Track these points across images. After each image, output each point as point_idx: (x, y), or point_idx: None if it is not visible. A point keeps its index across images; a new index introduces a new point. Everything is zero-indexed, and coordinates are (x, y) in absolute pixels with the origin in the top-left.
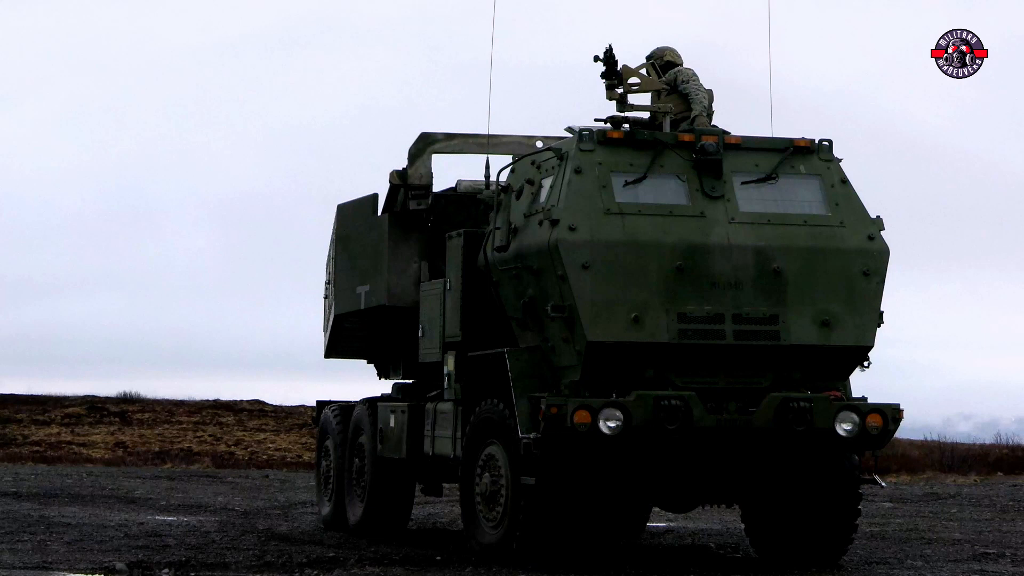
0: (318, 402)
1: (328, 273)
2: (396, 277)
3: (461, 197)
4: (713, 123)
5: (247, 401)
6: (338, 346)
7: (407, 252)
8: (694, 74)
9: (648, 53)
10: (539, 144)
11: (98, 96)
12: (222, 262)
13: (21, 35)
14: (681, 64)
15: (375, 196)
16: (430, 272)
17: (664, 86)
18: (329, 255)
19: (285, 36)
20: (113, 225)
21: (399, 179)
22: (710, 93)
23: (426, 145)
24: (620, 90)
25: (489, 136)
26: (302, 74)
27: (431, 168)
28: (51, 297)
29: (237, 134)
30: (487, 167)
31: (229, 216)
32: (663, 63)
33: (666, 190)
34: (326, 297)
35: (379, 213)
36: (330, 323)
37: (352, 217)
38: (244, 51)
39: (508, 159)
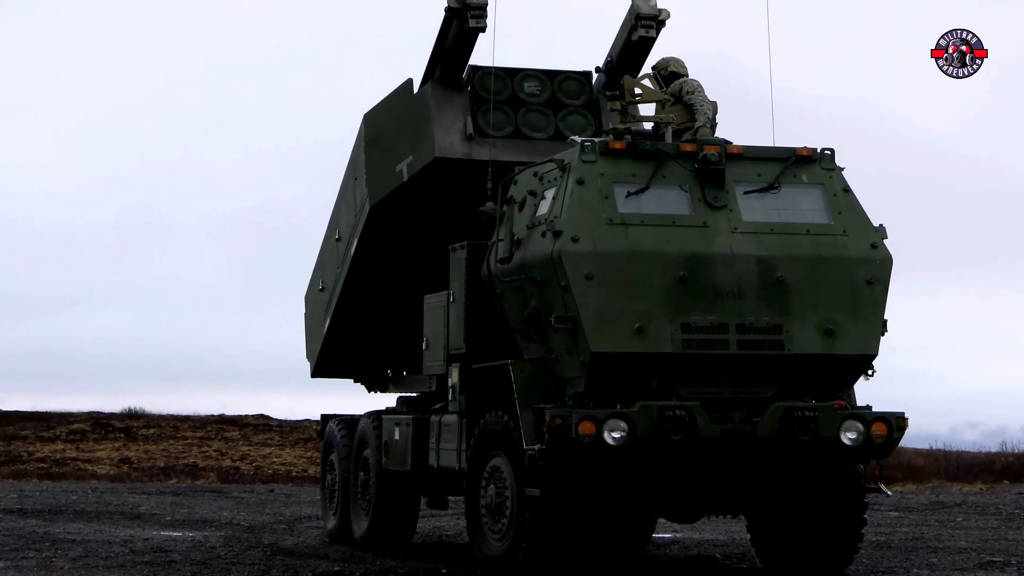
0: (323, 416)
1: (329, 236)
2: (444, 133)
3: (498, 71)
4: (716, 134)
5: (252, 416)
6: (335, 339)
7: (451, 112)
8: (699, 85)
9: (653, 63)
10: None
11: (107, 112)
12: (227, 277)
13: (31, 51)
14: (686, 75)
15: (409, 80)
16: (475, 129)
17: (667, 96)
18: (335, 207)
19: (295, 52)
20: (121, 241)
21: (458, 1)
22: (714, 105)
23: None
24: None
25: None
26: (312, 90)
27: None
28: (56, 313)
29: (246, 150)
30: (489, 174)
31: (236, 232)
32: (667, 74)
33: (669, 200)
34: (322, 290)
35: (415, 92)
36: (354, 244)
37: (385, 113)
38: (254, 67)
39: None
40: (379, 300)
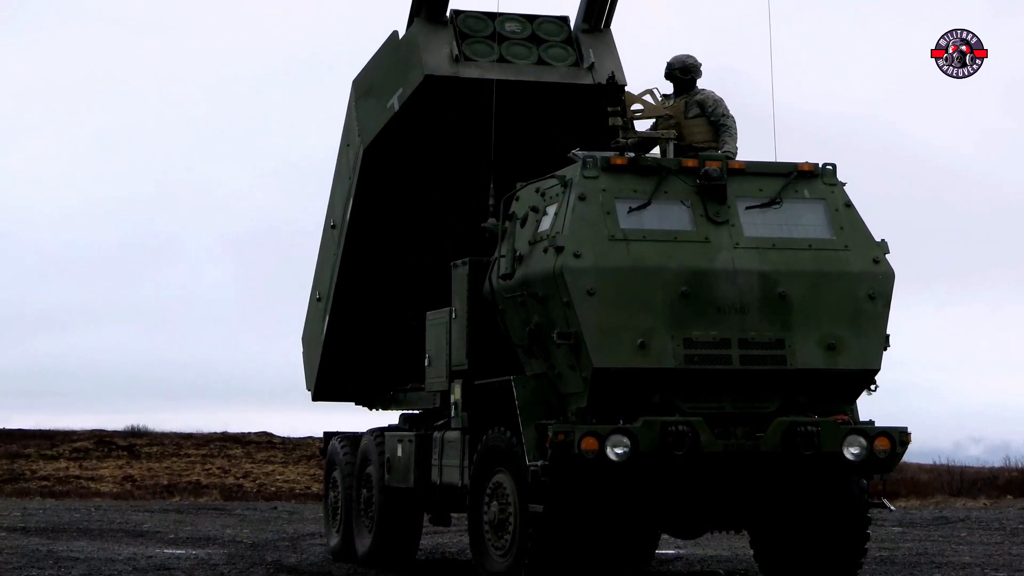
0: (325, 433)
1: (324, 236)
2: (432, 56)
3: (479, 14)
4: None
5: (255, 433)
6: (335, 344)
7: (438, 40)
8: (726, 105)
9: (668, 60)
10: None
11: (113, 130)
12: (230, 295)
13: (39, 70)
14: (699, 66)
15: (394, 32)
16: (460, 54)
17: (667, 112)
18: (330, 200)
19: (302, 70)
20: (125, 259)
21: None
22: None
23: None
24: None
25: None
26: (319, 107)
27: None
28: (59, 331)
29: (251, 168)
30: (491, 190)
31: (240, 250)
32: (699, 76)
33: (671, 216)
34: (319, 299)
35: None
36: (349, 210)
37: (374, 67)
38: (260, 85)
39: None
40: (378, 305)
